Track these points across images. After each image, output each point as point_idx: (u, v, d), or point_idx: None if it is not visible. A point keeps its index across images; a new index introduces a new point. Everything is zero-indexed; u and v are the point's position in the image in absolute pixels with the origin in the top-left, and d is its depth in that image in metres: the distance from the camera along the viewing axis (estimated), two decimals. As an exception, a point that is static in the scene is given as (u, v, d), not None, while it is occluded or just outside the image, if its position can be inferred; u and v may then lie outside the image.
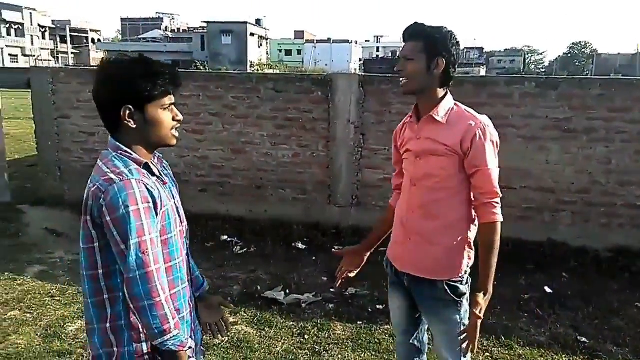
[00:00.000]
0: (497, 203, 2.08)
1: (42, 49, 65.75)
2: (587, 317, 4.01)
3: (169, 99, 1.63)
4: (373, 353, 3.50)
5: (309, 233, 5.60)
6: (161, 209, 1.58)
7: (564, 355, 3.51)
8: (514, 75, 5.92)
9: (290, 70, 43.51)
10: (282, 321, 3.90)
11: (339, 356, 3.47)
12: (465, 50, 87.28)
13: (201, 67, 36.64)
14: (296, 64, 63.62)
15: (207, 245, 5.33)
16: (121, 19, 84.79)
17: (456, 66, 2.15)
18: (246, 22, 57.22)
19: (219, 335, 2.01)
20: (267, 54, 67.26)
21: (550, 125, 5.15)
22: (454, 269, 2.18)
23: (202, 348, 1.95)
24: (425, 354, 2.52)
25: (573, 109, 5.10)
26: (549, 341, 3.68)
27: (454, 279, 2.18)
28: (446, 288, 2.17)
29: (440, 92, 2.14)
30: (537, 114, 5.16)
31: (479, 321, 2.03)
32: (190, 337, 1.70)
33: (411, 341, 2.45)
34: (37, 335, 3.62)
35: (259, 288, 4.41)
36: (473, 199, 2.13)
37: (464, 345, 2.07)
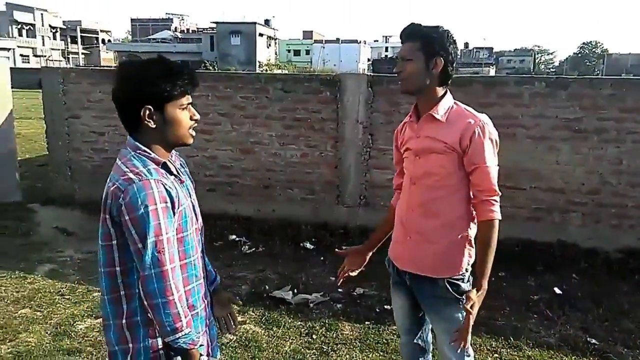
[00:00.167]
0: (495, 201, 2.09)
1: (53, 49, 66.33)
2: (597, 319, 3.98)
3: (186, 99, 1.66)
4: (381, 353, 3.50)
5: (317, 233, 5.61)
6: (178, 208, 1.62)
7: (573, 357, 3.48)
8: (524, 75, 5.89)
9: (299, 71, 43.57)
10: (290, 321, 3.90)
11: (347, 356, 3.46)
12: (474, 50, 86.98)
13: (210, 68, 36.80)
14: (304, 64, 63.69)
15: (215, 244, 5.34)
16: (131, 19, 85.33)
17: (454, 64, 2.15)
18: (255, 23, 57.37)
19: (227, 330, 2.03)
20: (276, 54, 67.40)
21: (560, 126, 5.11)
22: (455, 267, 2.19)
23: (217, 344, 1.97)
24: (430, 354, 2.52)
25: (583, 109, 5.06)
26: (559, 342, 3.66)
27: (455, 277, 2.19)
28: (447, 286, 2.18)
29: (440, 91, 2.15)
30: (547, 114, 5.12)
31: (472, 317, 2.02)
32: (205, 332, 1.73)
33: (415, 341, 2.45)
34: (47, 333, 3.65)
35: (267, 287, 4.42)
36: (472, 197, 2.14)
37: (455, 343, 2.08)
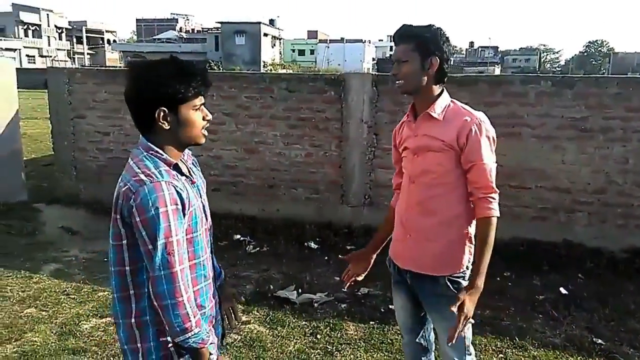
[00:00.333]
0: (492, 198, 2.09)
1: (58, 49, 66.62)
2: (603, 319, 3.96)
3: (199, 100, 1.66)
4: (385, 353, 3.49)
5: (322, 233, 5.60)
6: (188, 210, 1.62)
7: (579, 357, 3.46)
8: (529, 74, 5.87)
9: (303, 70, 43.56)
10: (294, 320, 3.90)
11: (351, 356, 3.46)
12: (479, 49, 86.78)
13: (215, 68, 36.83)
14: (309, 64, 63.70)
15: (220, 244, 5.34)
16: (136, 19, 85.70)
17: (449, 62, 2.16)
18: (259, 23, 57.42)
19: (229, 325, 2.03)
20: (281, 54, 67.41)
21: (566, 125, 5.08)
22: (455, 265, 2.20)
23: (221, 343, 1.97)
24: (433, 353, 2.52)
25: (589, 108, 5.03)
26: (564, 343, 3.64)
27: (455, 274, 2.20)
28: (448, 283, 2.19)
29: (436, 90, 2.16)
30: (553, 113, 5.10)
31: (462, 315, 2.01)
32: (211, 330, 1.73)
33: (417, 340, 2.45)
34: (52, 332, 3.66)
35: (271, 287, 4.42)
36: (470, 194, 2.14)
37: (450, 338, 2.09)
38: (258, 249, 5.38)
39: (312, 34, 78.78)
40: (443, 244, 2.19)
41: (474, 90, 5.25)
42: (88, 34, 67.07)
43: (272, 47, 62.21)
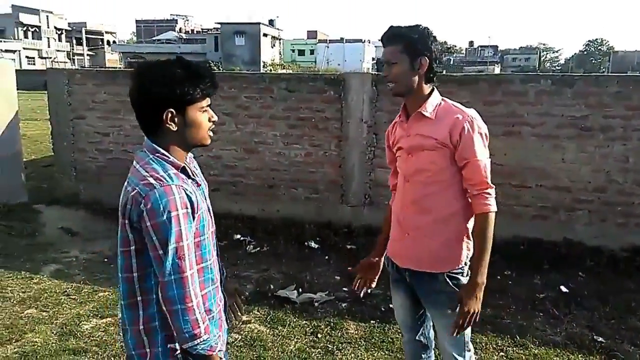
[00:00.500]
0: (488, 194, 2.11)
1: (58, 51, 66.68)
2: (603, 317, 3.96)
3: (206, 101, 1.65)
4: (386, 352, 3.49)
5: (321, 232, 5.60)
6: (197, 213, 1.59)
7: (580, 355, 3.46)
8: (529, 73, 5.86)
9: (303, 70, 43.55)
10: (295, 320, 3.90)
11: (352, 355, 3.46)
12: (479, 49, 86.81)
13: (215, 68, 36.82)
14: (309, 64, 63.71)
15: (220, 244, 5.32)
16: (136, 20, 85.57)
17: (437, 61, 2.17)
18: (259, 23, 57.51)
19: (232, 319, 2.03)
20: (280, 54, 67.45)
21: (566, 124, 5.08)
22: (453, 261, 2.21)
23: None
24: (432, 350, 2.53)
25: (589, 106, 5.03)
26: (565, 341, 3.64)
27: (454, 271, 2.21)
28: (447, 280, 2.20)
29: (427, 89, 2.17)
30: (553, 112, 5.09)
31: (464, 312, 2.07)
32: (220, 335, 1.71)
33: (417, 338, 2.47)
34: (52, 333, 3.66)
35: (271, 287, 4.42)
36: (466, 191, 2.16)
37: (452, 331, 2.14)
38: (258, 248, 5.37)
39: (312, 34, 78.76)
40: (441, 241, 2.20)
41: (474, 89, 5.25)
42: (88, 35, 67.12)
43: (272, 47, 62.26)
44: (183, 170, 1.63)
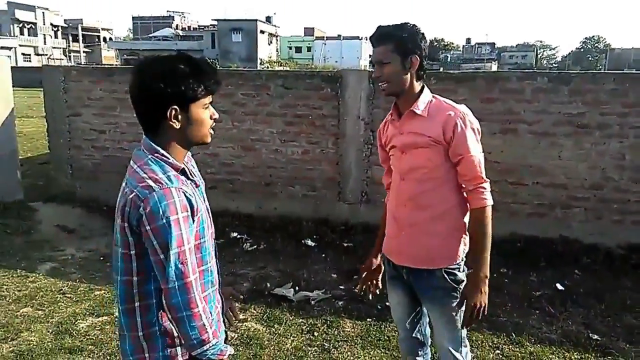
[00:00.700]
0: (484, 188, 2.13)
1: (54, 47, 66.43)
2: (599, 315, 3.97)
3: (209, 99, 1.61)
4: (382, 350, 3.49)
5: (319, 230, 5.60)
6: (197, 215, 1.55)
7: (575, 353, 3.47)
8: (526, 71, 5.86)
9: (300, 67, 43.55)
10: (291, 318, 3.90)
11: (348, 353, 3.46)
12: (476, 46, 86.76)
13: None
14: (306, 61, 63.64)
15: (217, 242, 5.33)
16: (132, 17, 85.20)
17: (427, 58, 2.19)
18: (256, 20, 57.33)
19: (228, 325, 2.01)
20: (277, 51, 67.31)
21: (562, 121, 5.09)
22: (451, 256, 2.23)
23: None
24: (429, 347, 2.54)
25: (586, 104, 5.03)
26: (561, 338, 3.65)
27: (451, 266, 2.23)
28: (444, 275, 2.22)
29: (417, 87, 2.19)
30: (550, 110, 5.10)
31: (473, 307, 2.11)
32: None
33: (414, 335, 2.48)
34: (48, 332, 3.65)
35: (268, 285, 4.42)
36: (462, 187, 2.18)
37: (461, 326, 2.20)
38: (255, 246, 5.37)
39: (309, 31, 78.51)
40: (438, 237, 2.22)
41: (471, 86, 5.25)
42: (84, 32, 66.97)
43: (269, 44, 62.11)
44: (182, 172, 1.58)
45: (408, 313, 2.44)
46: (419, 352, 2.50)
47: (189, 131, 1.58)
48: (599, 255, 4.94)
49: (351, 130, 5.66)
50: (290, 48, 73.02)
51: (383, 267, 2.54)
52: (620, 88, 4.96)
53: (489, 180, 2.14)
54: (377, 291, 2.58)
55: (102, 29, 74.35)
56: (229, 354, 1.60)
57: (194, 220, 1.54)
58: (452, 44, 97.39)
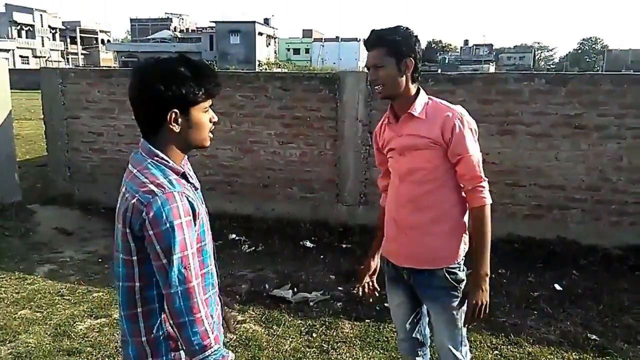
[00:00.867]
0: (483, 187, 2.15)
1: (52, 50, 66.33)
2: (597, 315, 3.98)
3: (209, 102, 1.60)
4: (381, 351, 3.49)
5: (317, 231, 5.60)
6: (198, 219, 1.55)
7: (573, 353, 3.48)
8: (524, 72, 5.87)
9: (299, 69, 43.53)
10: (290, 319, 3.90)
11: (347, 354, 3.46)
12: (474, 47, 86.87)
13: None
14: (304, 63, 63.65)
15: (215, 244, 5.32)
16: (130, 19, 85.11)
17: (421, 61, 2.20)
18: (254, 22, 57.34)
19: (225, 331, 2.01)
20: (276, 52, 67.32)
21: (560, 122, 5.10)
22: (452, 256, 2.25)
23: None
24: (428, 347, 2.55)
25: (583, 105, 5.05)
26: (559, 339, 3.65)
27: (452, 266, 2.24)
28: (446, 274, 2.23)
29: (413, 89, 2.20)
30: (547, 111, 5.11)
31: (475, 305, 2.13)
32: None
33: (414, 335, 2.49)
34: (46, 334, 3.64)
35: (266, 286, 4.42)
36: (461, 186, 2.20)
37: (464, 324, 2.23)
38: (253, 248, 5.37)
39: (307, 33, 78.61)
40: (439, 237, 2.23)
41: (469, 88, 5.26)
42: (82, 34, 66.90)
43: (267, 46, 62.13)
44: (182, 175, 1.57)
45: (408, 314, 2.46)
46: (419, 353, 2.51)
47: (189, 135, 1.57)
48: (597, 256, 4.96)
49: (349, 131, 5.67)
50: (289, 50, 73.06)
51: (379, 269, 2.54)
52: (617, 89, 4.98)
53: (487, 180, 2.16)
54: (377, 293, 2.59)
55: (100, 31, 74.28)
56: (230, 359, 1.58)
57: (195, 224, 1.53)
58: (450, 45, 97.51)
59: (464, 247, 2.26)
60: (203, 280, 1.61)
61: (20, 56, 59.57)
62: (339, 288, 4.40)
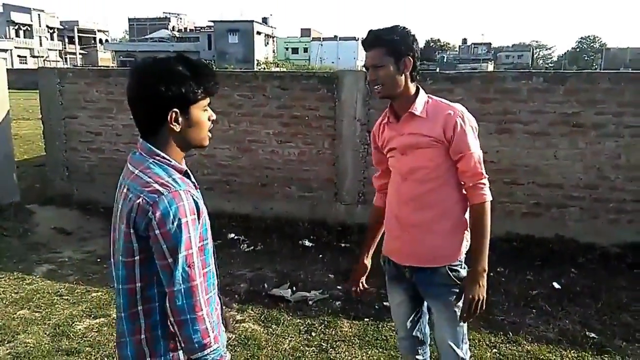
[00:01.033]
0: (483, 184, 2.17)
1: (50, 49, 66.17)
2: (595, 313, 3.99)
3: (207, 100, 1.59)
4: (380, 350, 3.50)
5: (315, 231, 5.61)
6: (202, 217, 1.54)
7: (572, 351, 3.49)
8: (522, 71, 5.87)
9: (297, 68, 43.50)
10: (289, 318, 3.90)
11: (346, 353, 3.46)
12: (472, 46, 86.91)
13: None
14: (303, 62, 63.61)
15: (214, 243, 5.32)
16: (128, 19, 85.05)
17: (419, 60, 2.22)
18: (253, 21, 57.27)
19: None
20: (274, 52, 67.27)
21: (558, 121, 5.11)
22: (454, 253, 2.26)
23: None
24: (428, 345, 2.55)
25: (581, 103, 5.05)
26: (558, 337, 3.66)
27: (454, 263, 2.26)
28: (448, 272, 2.24)
29: (412, 88, 2.21)
30: (545, 109, 5.12)
31: (471, 301, 2.14)
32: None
33: (414, 334, 2.49)
34: (45, 334, 3.64)
35: (265, 286, 4.42)
36: (462, 183, 2.21)
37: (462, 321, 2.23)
38: (252, 247, 5.37)
39: (306, 32, 78.55)
40: (441, 235, 2.25)
41: (467, 86, 5.26)
42: (80, 34, 66.77)
43: (265, 45, 62.07)
44: (185, 174, 1.57)
45: (409, 313, 2.46)
46: (419, 351, 2.52)
47: (189, 134, 1.57)
48: (595, 254, 4.97)
49: (347, 130, 5.67)
50: (287, 49, 73.03)
51: (368, 269, 2.57)
52: (615, 87, 4.98)
53: (487, 177, 2.18)
54: (373, 290, 2.59)
55: (98, 31, 74.15)
56: None
57: (199, 223, 1.53)
58: (449, 44, 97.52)
59: (465, 245, 2.27)
60: (205, 279, 1.60)
61: (18, 56, 59.43)
62: (338, 287, 4.40)
